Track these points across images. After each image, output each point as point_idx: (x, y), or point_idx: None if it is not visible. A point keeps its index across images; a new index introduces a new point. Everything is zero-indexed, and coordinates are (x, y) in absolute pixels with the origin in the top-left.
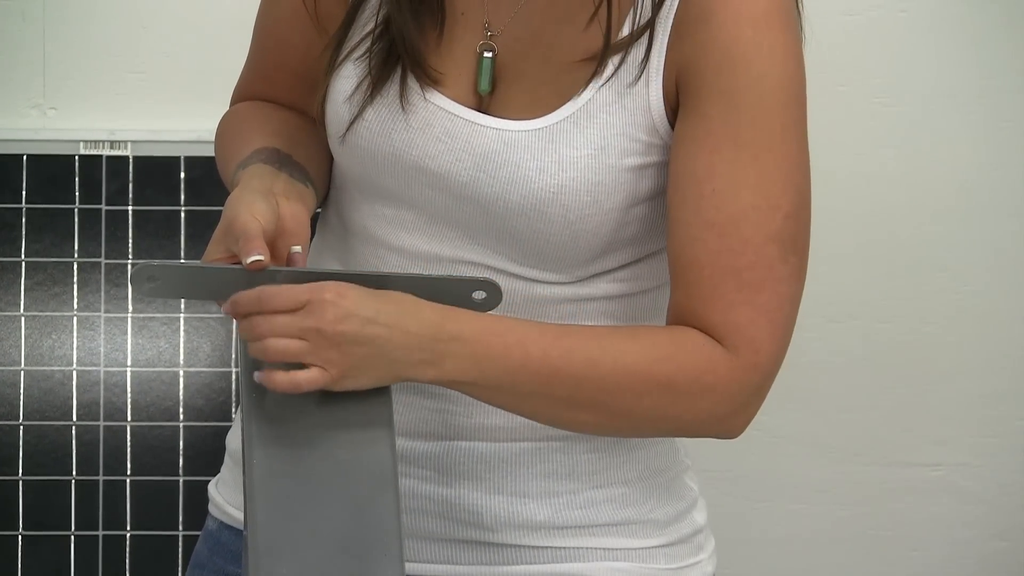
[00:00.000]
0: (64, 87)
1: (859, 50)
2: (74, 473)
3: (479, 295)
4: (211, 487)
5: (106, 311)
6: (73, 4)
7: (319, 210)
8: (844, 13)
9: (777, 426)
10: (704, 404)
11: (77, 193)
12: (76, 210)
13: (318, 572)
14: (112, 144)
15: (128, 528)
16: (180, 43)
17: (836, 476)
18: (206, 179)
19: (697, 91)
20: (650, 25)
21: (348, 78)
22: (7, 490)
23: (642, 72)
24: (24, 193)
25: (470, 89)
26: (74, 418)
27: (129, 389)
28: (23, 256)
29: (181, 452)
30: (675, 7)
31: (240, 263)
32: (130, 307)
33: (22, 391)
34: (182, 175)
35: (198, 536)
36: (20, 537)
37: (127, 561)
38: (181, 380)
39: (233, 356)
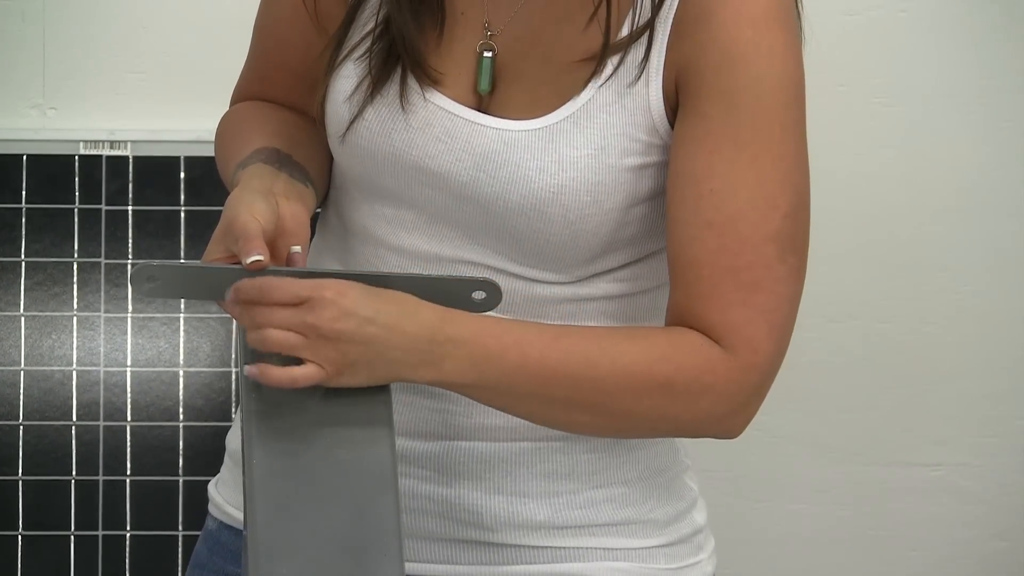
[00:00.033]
0: (64, 87)
1: (859, 50)
2: (74, 473)
3: (479, 295)
4: (211, 487)
5: (106, 311)
6: (73, 4)
7: (319, 210)
8: (844, 13)
9: (777, 426)
10: (703, 404)
11: (77, 193)
12: (76, 210)
13: (318, 572)
14: (112, 144)
15: (128, 528)
16: (180, 43)
17: (836, 476)
18: (206, 179)
19: (696, 91)
20: (649, 25)
21: (348, 78)
22: (7, 490)
23: (642, 72)
24: (24, 193)
25: (470, 89)
26: (74, 418)
27: (129, 389)
28: (23, 256)
29: (181, 452)
30: (675, 7)
31: (240, 263)
32: (130, 307)
33: (22, 391)
34: (182, 175)
35: (198, 536)
36: (20, 537)
37: (127, 561)
38: (181, 380)
39: (233, 356)
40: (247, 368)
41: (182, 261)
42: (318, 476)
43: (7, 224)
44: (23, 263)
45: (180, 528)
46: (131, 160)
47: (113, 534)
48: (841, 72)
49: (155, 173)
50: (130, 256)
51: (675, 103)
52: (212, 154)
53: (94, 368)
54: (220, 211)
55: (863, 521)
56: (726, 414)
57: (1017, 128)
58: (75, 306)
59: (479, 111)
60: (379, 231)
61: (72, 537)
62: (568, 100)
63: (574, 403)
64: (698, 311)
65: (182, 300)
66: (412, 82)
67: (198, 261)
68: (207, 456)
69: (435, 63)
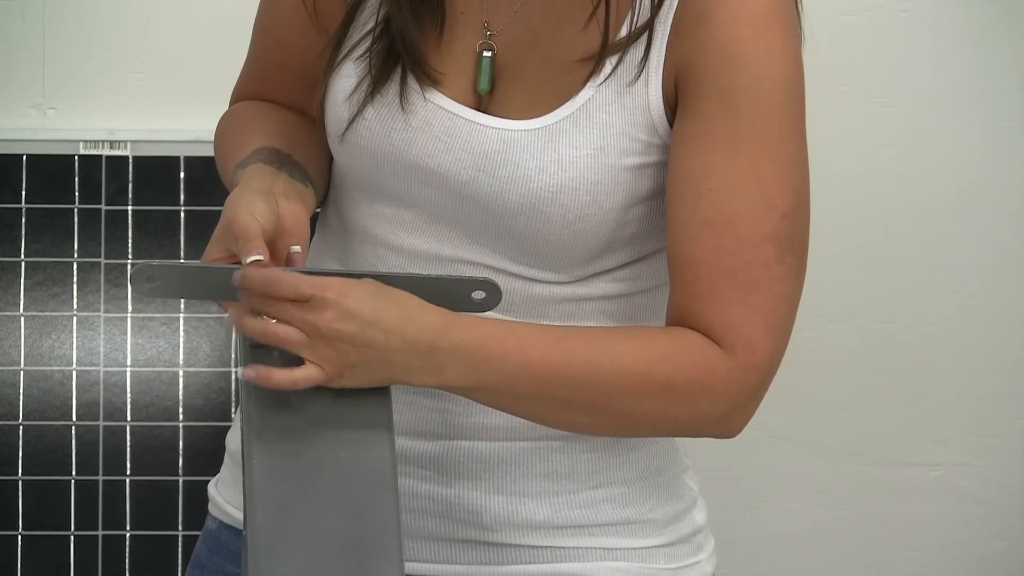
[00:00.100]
0: (64, 87)
1: (859, 50)
2: (74, 473)
3: (478, 295)
4: (211, 487)
5: (106, 311)
6: (73, 4)
7: (319, 210)
8: (844, 13)
9: (777, 426)
10: (703, 405)
11: (77, 193)
12: (76, 210)
13: (318, 572)
14: (112, 144)
15: (128, 528)
16: (180, 43)
17: (836, 476)
18: (206, 179)
19: (696, 91)
20: (649, 25)
21: (348, 77)
22: (7, 490)
23: (641, 71)
24: (24, 193)
25: (470, 88)
26: (74, 418)
27: (129, 389)
28: (23, 256)
29: (181, 452)
30: (674, 6)
31: (240, 263)
32: (130, 307)
33: (22, 391)
34: (182, 175)
35: (198, 536)
36: (20, 537)
37: (127, 561)
38: (181, 380)
39: (233, 356)
40: (244, 371)
41: (182, 261)
42: (318, 476)
43: (7, 224)
44: (23, 263)
45: (180, 528)
46: (131, 160)
47: (113, 534)
48: (841, 72)
49: (155, 173)
50: (130, 256)
51: (674, 103)
52: (212, 154)
53: (94, 368)
54: (220, 211)
55: (863, 521)
56: (726, 414)
57: (1016, 128)
58: (75, 306)
59: (479, 111)
60: (379, 231)
61: (72, 537)
62: (567, 100)
63: (575, 404)
64: (697, 311)
65: (182, 300)
66: (412, 82)
67: (198, 261)
68: (207, 456)
69: (435, 63)
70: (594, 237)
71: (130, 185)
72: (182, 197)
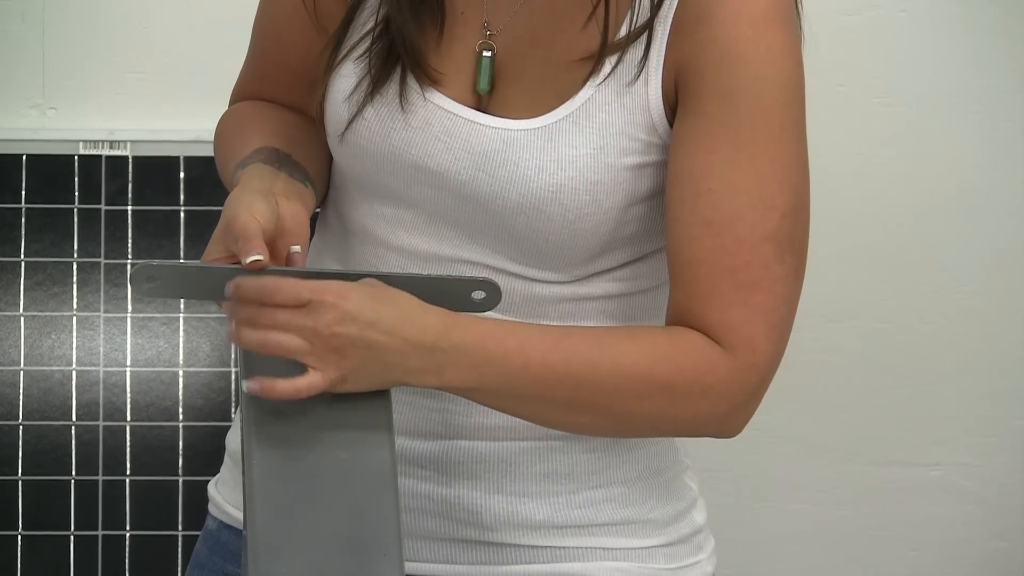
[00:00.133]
0: (64, 87)
1: (858, 50)
2: (73, 473)
3: (478, 295)
4: (211, 487)
5: (105, 311)
6: (73, 4)
7: (319, 210)
8: (843, 13)
9: (777, 426)
10: (703, 405)
11: (76, 193)
12: (75, 210)
13: (318, 572)
14: (111, 144)
15: (128, 528)
16: (180, 43)
17: (835, 476)
18: (206, 179)
19: (696, 90)
20: (648, 25)
21: (347, 77)
22: (7, 490)
23: (641, 71)
24: (24, 193)
25: (469, 88)
26: (73, 418)
27: (128, 389)
28: (23, 256)
29: (180, 452)
30: (674, 6)
31: (240, 263)
32: (129, 307)
33: (21, 391)
34: (181, 175)
35: (198, 536)
36: (19, 537)
37: (127, 561)
38: (180, 380)
39: (232, 356)
40: (247, 383)
41: (182, 261)
42: (318, 476)
43: (7, 224)
44: (23, 263)
45: (180, 528)
46: (131, 160)
47: (113, 534)
48: (841, 72)
49: (155, 173)
50: (130, 256)
51: (674, 102)
52: (212, 154)
53: (94, 368)
54: (220, 211)
55: (863, 521)
56: (726, 414)
57: (1016, 128)
58: (75, 306)
59: (478, 110)
60: (378, 231)
61: (72, 537)
62: (567, 99)
63: (576, 404)
64: (697, 310)
65: (182, 300)
66: (411, 81)
67: (198, 261)
68: (207, 456)
69: (435, 63)
70: (594, 236)
71: (130, 185)
72: (182, 197)
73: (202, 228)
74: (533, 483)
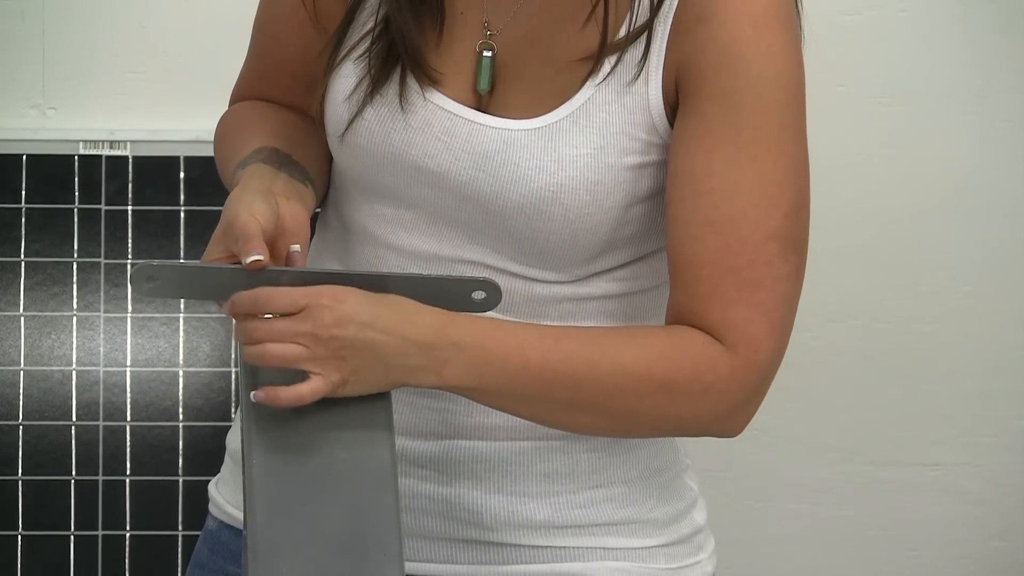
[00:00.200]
0: (64, 87)
1: (858, 50)
2: (73, 473)
3: (479, 295)
4: (211, 487)
5: (105, 311)
6: (73, 4)
7: (319, 210)
8: (843, 13)
9: (777, 426)
10: (704, 403)
11: (76, 193)
12: (75, 210)
13: (318, 572)
14: (111, 144)
15: (128, 528)
16: (180, 43)
17: (836, 476)
18: (206, 179)
19: (696, 90)
20: (648, 25)
21: (347, 77)
22: (7, 490)
23: (641, 71)
24: (24, 193)
25: (469, 88)
26: (73, 418)
27: (128, 389)
28: (23, 256)
29: (180, 452)
30: (675, 6)
31: (240, 263)
32: (129, 307)
33: (22, 391)
34: (181, 175)
35: (198, 536)
36: (19, 537)
37: (127, 561)
38: (180, 380)
39: (233, 356)
40: (254, 393)
41: (182, 261)
42: (318, 476)
43: (7, 224)
44: (23, 263)
45: (180, 528)
46: (131, 160)
47: (113, 534)
48: (841, 72)
49: (155, 173)
50: (130, 256)
51: (675, 102)
52: (212, 154)
53: (94, 368)
54: (220, 211)
55: (863, 521)
56: (727, 413)
57: (1015, 128)
58: (75, 306)
59: (479, 111)
60: (379, 231)
61: (72, 537)
62: (567, 99)
63: (576, 404)
64: (699, 310)
65: (182, 300)
66: (411, 82)
67: (198, 261)
68: (207, 456)
69: (435, 63)
70: (594, 236)
71: (130, 185)
72: (182, 197)
73: (202, 228)
74: (533, 483)
